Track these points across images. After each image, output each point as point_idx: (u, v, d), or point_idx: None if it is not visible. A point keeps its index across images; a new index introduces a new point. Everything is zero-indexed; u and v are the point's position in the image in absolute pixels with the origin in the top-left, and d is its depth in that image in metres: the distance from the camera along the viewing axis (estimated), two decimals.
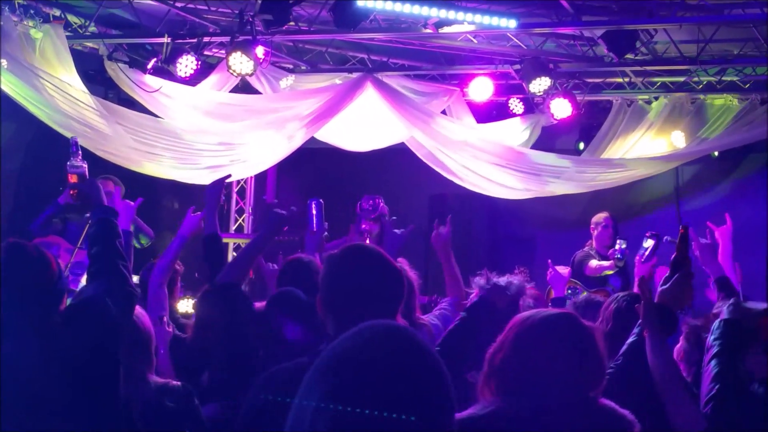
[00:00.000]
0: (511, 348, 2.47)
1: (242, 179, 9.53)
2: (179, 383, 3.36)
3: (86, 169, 3.73)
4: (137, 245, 6.25)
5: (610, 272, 7.23)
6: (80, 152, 3.77)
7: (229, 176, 4.88)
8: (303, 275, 3.90)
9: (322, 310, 2.52)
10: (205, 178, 7.57)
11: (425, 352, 1.31)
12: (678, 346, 4.00)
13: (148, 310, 3.85)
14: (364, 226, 6.62)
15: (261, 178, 9.35)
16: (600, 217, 7.74)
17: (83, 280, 4.16)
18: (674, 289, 2.95)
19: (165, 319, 4.03)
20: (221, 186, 4.28)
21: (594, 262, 7.26)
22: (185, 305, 5.58)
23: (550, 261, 5.32)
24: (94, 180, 3.56)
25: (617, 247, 7.04)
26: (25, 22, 6.64)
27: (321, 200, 4.72)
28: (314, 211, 4.70)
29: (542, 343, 2.44)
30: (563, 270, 5.24)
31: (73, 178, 3.73)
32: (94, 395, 2.82)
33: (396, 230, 4.56)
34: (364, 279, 2.47)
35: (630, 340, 3.07)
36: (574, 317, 2.58)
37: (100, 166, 6.86)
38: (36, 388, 2.70)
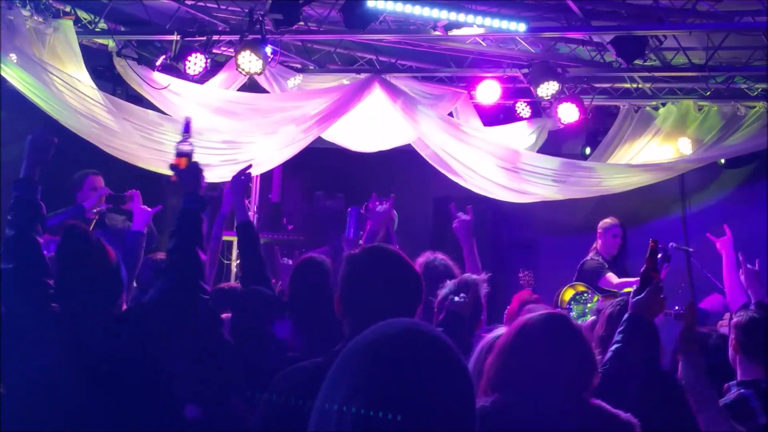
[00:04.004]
0: (503, 349, 2.56)
1: None
2: None
3: (192, 153, 3.50)
4: None
5: (629, 289, 7.18)
6: (191, 134, 3.57)
7: (250, 166, 4.96)
8: (315, 274, 3.92)
9: (341, 309, 2.50)
10: (210, 176, 7.57)
11: (446, 349, 1.32)
12: None
13: None
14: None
15: (266, 177, 9.34)
16: (608, 223, 7.68)
17: None
18: (647, 300, 3.13)
19: None
20: (245, 176, 4.37)
21: (615, 279, 7.16)
22: None
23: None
24: (197, 165, 3.36)
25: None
26: (35, 17, 6.65)
27: (360, 209, 5.00)
28: (352, 219, 4.92)
29: (531, 343, 2.52)
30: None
31: (179, 161, 3.46)
32: (137, 400, 2.70)
33: (378, 208, 4.77)
34: (384, 280, 2.46)
35: (614, 347, 3.08)
36: (564, 318, 2.64)
37: (107, 161, 6.88)
38: (78, 384, 2.59)
